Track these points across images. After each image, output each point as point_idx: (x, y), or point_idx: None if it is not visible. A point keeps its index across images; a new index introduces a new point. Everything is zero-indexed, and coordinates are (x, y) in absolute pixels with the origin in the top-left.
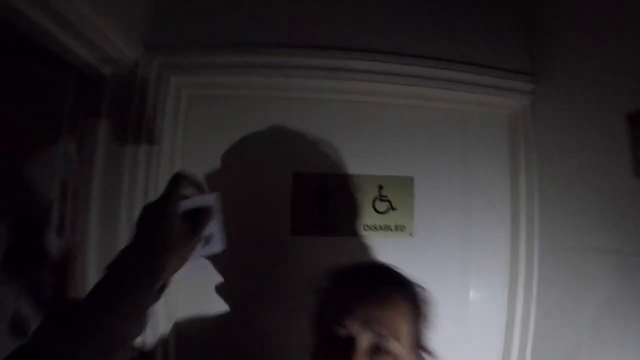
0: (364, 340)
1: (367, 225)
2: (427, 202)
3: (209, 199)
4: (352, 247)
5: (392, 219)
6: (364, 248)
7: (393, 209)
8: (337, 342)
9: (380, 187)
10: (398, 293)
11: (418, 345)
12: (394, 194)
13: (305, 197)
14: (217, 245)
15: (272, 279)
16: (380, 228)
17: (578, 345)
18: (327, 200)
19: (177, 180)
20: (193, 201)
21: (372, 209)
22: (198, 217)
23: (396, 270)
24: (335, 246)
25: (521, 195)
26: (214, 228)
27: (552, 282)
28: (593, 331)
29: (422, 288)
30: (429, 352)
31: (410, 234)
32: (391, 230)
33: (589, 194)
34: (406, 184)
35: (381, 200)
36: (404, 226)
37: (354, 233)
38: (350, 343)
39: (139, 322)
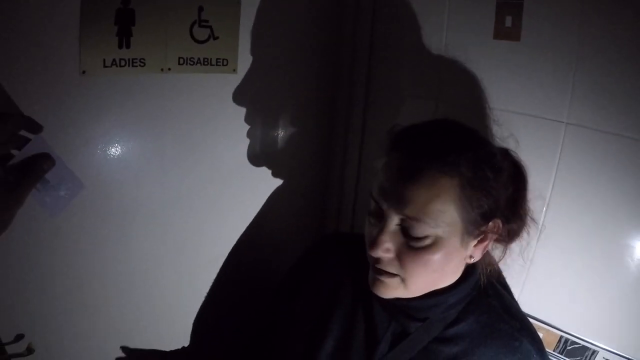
0: (392, 220)
1: (183, 58)
2: (254, 31)
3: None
4: (161, 86)
5: (213, 50)
6: (176, 87)
7: (215, 37)
8: (375, 216)
9: (201, 9)
10: (444, 167)
11: (475, 234)
12: (216, 19)
13: (100, 22)
14: (76, 187)
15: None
16: (199, 62)
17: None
18: (130, 26)
19: None
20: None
21: (190, 36)
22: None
23: (466, 134)
24: (143, 86)
25: None
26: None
27: None
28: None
29: (501, 160)
30: (505, 242)
31: (234, 70)
32: (212, 64)
33: None
34: (231, 6)
35: (201, 26)
36: (226, 60)
37: (165, 68)
38: (382, 220)
39: None
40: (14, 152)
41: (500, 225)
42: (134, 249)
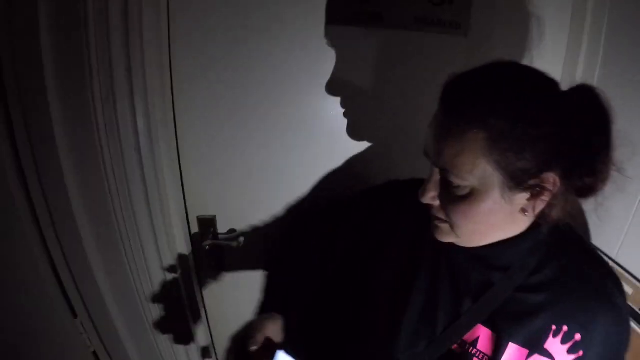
0: (435, 171)
1: (417, 18)
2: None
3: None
4: (397, 42)
5: (446, 12)
6: (410, 44)
7: (450, 1)
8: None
9: None
10: (470, 122)
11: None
12: None
13: None
14: None
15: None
16: (432, 23)
17: None
18: None
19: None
20: None
21: None
22: None
23: (512, 80)
24: (378, 40)
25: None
26: None
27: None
28: None
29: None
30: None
31: (465, 35)
32: (444, 26)
33: None
34: None
35: None
36: (459, 24)
37: (400, 25)
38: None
39: None
40: None
41: (558, 180)
42: None
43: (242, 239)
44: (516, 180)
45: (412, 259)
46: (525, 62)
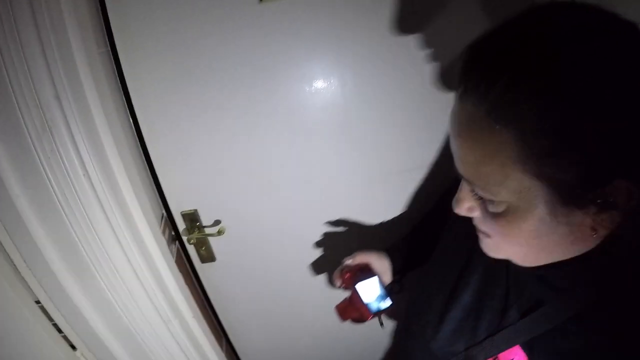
0: (465, 183)
1: None
2: None
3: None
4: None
5: None
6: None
7: None
8: None
9: None
10: (500, 115)
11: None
12: None
13: None
14: (387, 302)
15: None
16: None
17: None
18: None
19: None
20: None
21: None
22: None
23: (572, 47)
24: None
25: None
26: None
27: None
28: None
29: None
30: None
31: None
32: None
33: None
34: None
35: None
36: None
37: None
38: None
39: None
40: None
41: (632, 188)
42: None
43: (222, 226)
44: (574, 193)
45: (472, 251)
46: None
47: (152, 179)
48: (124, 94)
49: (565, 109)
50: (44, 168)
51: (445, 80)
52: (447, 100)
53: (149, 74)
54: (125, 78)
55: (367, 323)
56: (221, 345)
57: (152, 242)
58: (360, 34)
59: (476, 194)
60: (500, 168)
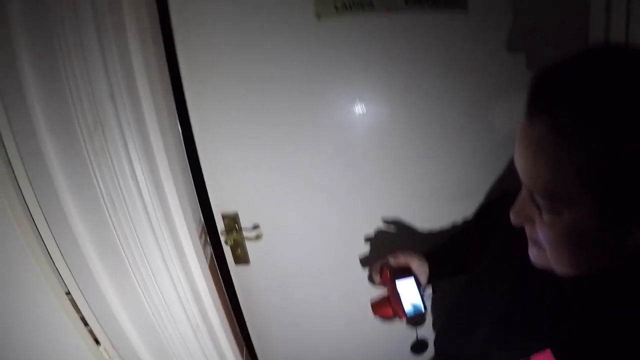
0: (525, 188)
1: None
2: None
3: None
4: (391, 26)
5: None
6: (406, 28)
7: None
8: None
9: None
10: (580, 135)
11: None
12: None
13: None
14: (422, 304)
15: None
16: (427, 1)
17: None
18: None
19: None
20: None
21: None
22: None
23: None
24: (371, 25)
25: None
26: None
27: None
28: None
29: None
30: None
31: (465, 8)
32: (440, 3)
33: None
34: None
35: None
36: None
37: (393, 7)
38: None
39: None
40: None
41: None
42: None
43: (260, 230)
44: (620, 217)
45: (520, 264)
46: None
47: (192, 182)
48: (176, 95)
49: (625, 139)
50: (92, 165)
51: (486, 113)
52: (486, 131)
53: (207, 86)
54: (184, 86)
55: (395, 336)
56: (242, 353)
57: (190, 247)
58: (414, 63)
59: (534, 203)
60: (562, 182)
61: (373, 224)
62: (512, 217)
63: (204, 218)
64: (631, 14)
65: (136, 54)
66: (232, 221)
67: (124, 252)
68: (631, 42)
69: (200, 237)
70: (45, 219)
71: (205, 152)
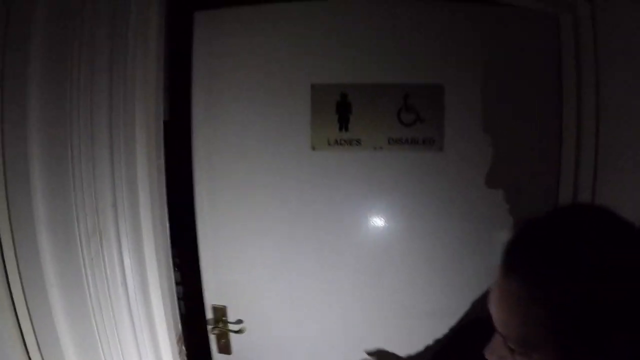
0: (497, 335)
1: (392, 139)
2: (459, 114)
3: None
4: (375, 162)
5: (419, 131)
6: (388, 164)
7: (421, 120)
8: None
9: (406, 97)
10: (546, 294)
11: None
12: (421, 104)
13: (324, 110)
14: None
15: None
16: (407, 141)
17: None
18: (348, 113)
19: None
20: None
21: (397, 120)
22: None
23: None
24: (358, 161)
25: (570, 105)
26: None
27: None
28: None
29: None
30: None
31: (441, 149)
32: (419, 143)
33: None
34: (435, 92)
35: (407, 111)
36: (433, 140)
37: (377, 147)
38: None
39: None
40: None
41: None
42: None
43: (245, 326)
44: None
45: None
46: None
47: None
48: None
49: (586, 299)
50: (84, 266)
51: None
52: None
53: (217, 194)
54: (195, 189)
55: None
56: None
57: (168, 356)
58: (393, 192)
59: (507, 346)
60: (533, 331)
61: (356, 344)
62: (487, 355)
63: (194, 308)
64: (597, 175)
65: (142, 166)
66: (221, 313)
67: (104, 356)
68: (597, 202)
69: (178, 345)
70: (29, 308)
71: (205, 249)
